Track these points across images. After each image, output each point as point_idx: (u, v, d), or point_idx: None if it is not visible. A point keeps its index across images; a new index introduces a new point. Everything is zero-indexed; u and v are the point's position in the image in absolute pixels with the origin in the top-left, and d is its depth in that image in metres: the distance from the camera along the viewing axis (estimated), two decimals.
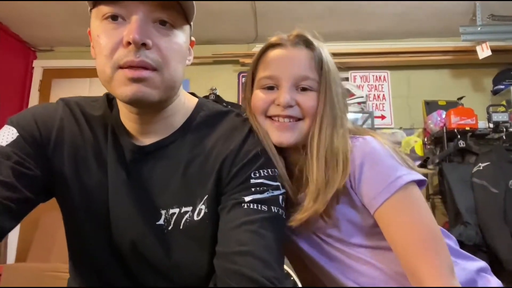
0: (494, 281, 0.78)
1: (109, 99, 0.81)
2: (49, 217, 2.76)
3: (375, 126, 2.98)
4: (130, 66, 0.63)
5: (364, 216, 0.76)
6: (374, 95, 3.29)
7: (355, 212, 0.76)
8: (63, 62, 3.49)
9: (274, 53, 0.83)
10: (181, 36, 0.70)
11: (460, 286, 0.66)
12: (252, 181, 0.72)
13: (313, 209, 0.73)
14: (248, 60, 3.25)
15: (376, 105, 3.27)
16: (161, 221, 0.73)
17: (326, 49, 0.84)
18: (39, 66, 3.50)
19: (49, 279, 2.28)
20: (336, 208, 0.76)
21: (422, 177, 0.73)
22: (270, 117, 0.82)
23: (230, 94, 3.29)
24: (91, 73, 3.31)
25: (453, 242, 0.82)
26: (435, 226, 0.71)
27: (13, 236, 2.84)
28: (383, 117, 3.24)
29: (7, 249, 2.76)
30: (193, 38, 0.78)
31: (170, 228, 0.73)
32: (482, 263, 0.81)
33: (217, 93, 3.21)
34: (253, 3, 2.82)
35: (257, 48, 3.29)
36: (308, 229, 0.80)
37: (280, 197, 0.73)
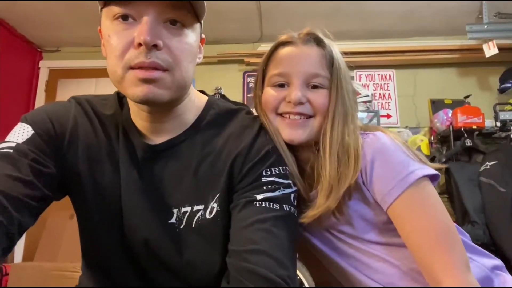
0: (510, 278, 0.77)
1: (120, 98, 0.81)
2: (56, 217, 2.77)
3: (381, 125, 2.96)
4: (141, 67, 0.63)
5: (377, 212, 0.75)
6: (380, 94, 3.28)
7: (368, 208, 0.76)
8: (69, 63, 3.50)
9: (284, 50, 0.83)
10: (192, 36, 0.70)
11: (476, 282, 0.65)
12: (264, 179, 0.71)
13: (325, 206, 0.73)
14: (253, 60, 3.25)
15: (382, 104, 3.25)
16: (173, 220, 0.74)
17: (336, 47, 0.84)
18: (45, 66, 3.51)
19: (55, 278, 2.29)
20: (349, 204, 0.76)
21: (435, 172, 0.73)
22: (281, 115, 0.82)
23: (235, 93, 3.29)
24: (97, 73, 3.32)
25: (467, 239, 0.81)
26: (449, 221, 0.70)
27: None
28: (388, 116, 3.22)
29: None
30: (203, 36, 0.78)
31: (182, 226, 0.73)
32: (497, 261, 0.80)
33: (222, 93, 3.21)
34: (258, 2, 2.81)
35: (262, 47, 3.31)
36: (320, 226, 0.79)
37: (292, 195, 0.73)
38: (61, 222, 2.71)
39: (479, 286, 0.65)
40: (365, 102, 3.02)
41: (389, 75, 3.32)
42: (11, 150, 0.67)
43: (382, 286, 0.75)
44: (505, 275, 0.78)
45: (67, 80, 3.46)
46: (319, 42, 0.83)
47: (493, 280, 0.76)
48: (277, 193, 0.70)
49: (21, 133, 0.70)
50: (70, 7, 2.83)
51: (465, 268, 0.66)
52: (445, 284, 0.64)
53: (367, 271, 0.77)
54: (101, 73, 3.26)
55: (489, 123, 2.80)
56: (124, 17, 0.64)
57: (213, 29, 3.13)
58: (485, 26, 2.86)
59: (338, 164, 0.75)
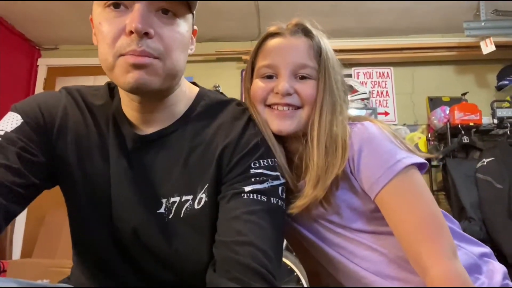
0: (498, 266, 0.77)
1: (110, 88, 0.81)
2: (54, 215, 2.78)
3: None
4: (132, 56, 0.63)
5: (365, 201, 0.76)
6: (378, 91, 3.28)
7: (355, 197, 0.77)
8: (67, 60, 3.51)
9: (273, 42, 0.83)
10: (184, 25, 0.70)
11: (463, 269, 0.65)
12: (252, 171, 0.72)
13: (313, 195, 0.74)
14: None
15: (380, 101, 3.25)
16: (162, 210, 0.74)
17: (325, 38, 0.84)
18: (43, 64, 3.53)
19: (54, 274, 2.30)
20: (336, 194, 0.76)
21: (422, 160, 0.73)
22: (269, 106, 0.82)
23: (233, 91, 3.29)
24: (95, 71, 3.32)
25: (456, 226, 0.81)
26: (436, 209, 0.70)
27: (19, 233, 2.86)
28: (386, 113, 3.22)
29: (12, 246, 2.77)
30: (195, 27, 0.78)
31: (170, 216, 0.74)
32: (486, 248, 0.80)
33: (220, 90, 3.20)
34: (255, 1, 2.82)
35: None
36: (309, 216, 0.80)
37: (280, 187, 0.73)
38: (59, 219, 2.72)
39: (466, 273, 0.65)
40: (362, 99, 3.03)
41: (387, 73, 3.32)
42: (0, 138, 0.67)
43: (370, 273, 0.76)
44: (494, 262, 0.78)
45: (65, 78, 3.47)
46: (307, 33, 0.83)
47: (481, 267, 0.76)
48: (265, 185, 0.71)
49: (10, 121, 0.71)
50: (68, 5, 2.84)
51: (452, 255, 0.66)
52: (431, 271, 0.64)
53: (355, 259, 0.77)
54: (99, 71, 3.20)
55: (487, 120, 2.81)
56: (116, 5, 0.65)
57: (212, 27, 3.14)
58: (483, 24, 2.86)
59: (326, 154, 0.75)
